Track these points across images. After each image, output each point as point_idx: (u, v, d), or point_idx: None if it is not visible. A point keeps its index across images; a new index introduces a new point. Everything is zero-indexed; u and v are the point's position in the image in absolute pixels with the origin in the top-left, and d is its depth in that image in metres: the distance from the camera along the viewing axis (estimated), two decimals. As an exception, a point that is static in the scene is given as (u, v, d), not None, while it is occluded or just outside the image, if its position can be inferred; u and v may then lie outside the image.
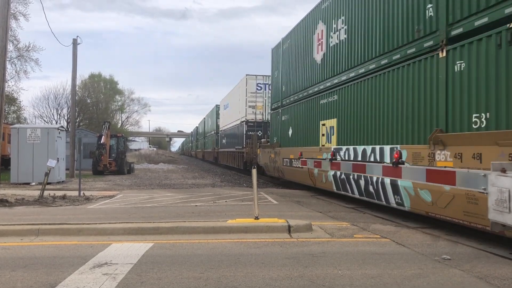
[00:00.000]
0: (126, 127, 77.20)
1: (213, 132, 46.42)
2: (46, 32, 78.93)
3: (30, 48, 35.72)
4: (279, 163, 18.93)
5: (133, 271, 5.67)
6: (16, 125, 23.57)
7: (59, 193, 14.42)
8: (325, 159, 13.50)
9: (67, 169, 23.39)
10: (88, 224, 8.42)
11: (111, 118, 63.96)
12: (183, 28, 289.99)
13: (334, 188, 13.04)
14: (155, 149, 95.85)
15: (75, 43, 25.51)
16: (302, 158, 16.25)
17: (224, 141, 38.32)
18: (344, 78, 12.90)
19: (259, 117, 28.06)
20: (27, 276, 5.49)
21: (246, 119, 28.06)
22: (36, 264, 6.05)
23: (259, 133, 26.34)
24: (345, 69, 12.82)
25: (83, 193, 15.02)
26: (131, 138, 79.54)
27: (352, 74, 12.36)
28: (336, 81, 13.47)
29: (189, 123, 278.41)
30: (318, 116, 14.88)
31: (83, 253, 6.65)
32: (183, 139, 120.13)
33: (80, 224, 8.36)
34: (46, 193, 14.09)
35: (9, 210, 11.49)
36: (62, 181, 21.26)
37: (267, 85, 27.33)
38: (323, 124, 14.32)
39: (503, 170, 5.74)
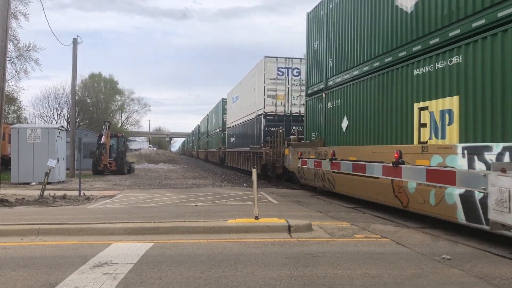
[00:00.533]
0: (126, 127, 77.38)
1: (218, 130, 41.83)
2: (46, 32, 79.55)
3: (30, 48, 35.79)
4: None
5: (133, 271, 5.68)
6: (16, 125, 23.58)
7: (59, 193, 14.43)
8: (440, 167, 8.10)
9: (67, 169, 23.41)
10: (88, 224, 8.43)
11: (111, 118, 64.08)
12: (183, 28, 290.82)
13: (463, 218, 7.61)
14: (155, 149, 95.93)
15: (75, 42, 25.52)
16: (303, 158, 16.12)
17: (232, 139, 33.76)
18: (479, 23, 7.59)
19: (280, 109, 23.35)
20: (27, 276, 5.50)
21: (264, 111, 23.30)
22: (37, 264, 6.06)
23: (280, 128, 21.95)
24: (485, 7, 7.50)
25: (83, 193, 15.03)
26: (131, 138, 79.65)
27: (504, 13, 7.08)
28: (455, 32, 8.20)
29: (189, 123, 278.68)
30: (408, 95, 9.66)
31: (83, 253, 6.67)
32: (183, 139, 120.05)
33: (80, 224, 8.37)
34: (46, 193, 14.10)
35: (9, 210, 11.50)
36: (62, 181, 21.27)
37: (290, 70, 23.33)
38: (423, 108, 9.11)
39: (503, 170, 5.74)
